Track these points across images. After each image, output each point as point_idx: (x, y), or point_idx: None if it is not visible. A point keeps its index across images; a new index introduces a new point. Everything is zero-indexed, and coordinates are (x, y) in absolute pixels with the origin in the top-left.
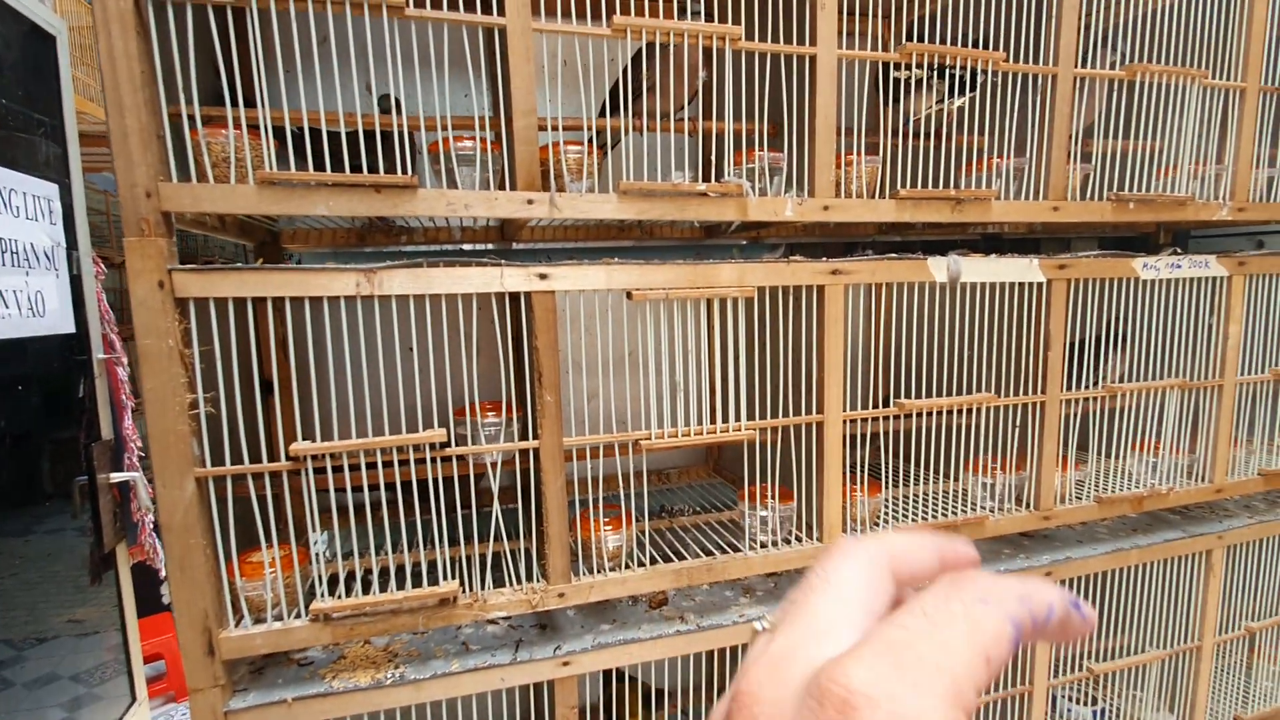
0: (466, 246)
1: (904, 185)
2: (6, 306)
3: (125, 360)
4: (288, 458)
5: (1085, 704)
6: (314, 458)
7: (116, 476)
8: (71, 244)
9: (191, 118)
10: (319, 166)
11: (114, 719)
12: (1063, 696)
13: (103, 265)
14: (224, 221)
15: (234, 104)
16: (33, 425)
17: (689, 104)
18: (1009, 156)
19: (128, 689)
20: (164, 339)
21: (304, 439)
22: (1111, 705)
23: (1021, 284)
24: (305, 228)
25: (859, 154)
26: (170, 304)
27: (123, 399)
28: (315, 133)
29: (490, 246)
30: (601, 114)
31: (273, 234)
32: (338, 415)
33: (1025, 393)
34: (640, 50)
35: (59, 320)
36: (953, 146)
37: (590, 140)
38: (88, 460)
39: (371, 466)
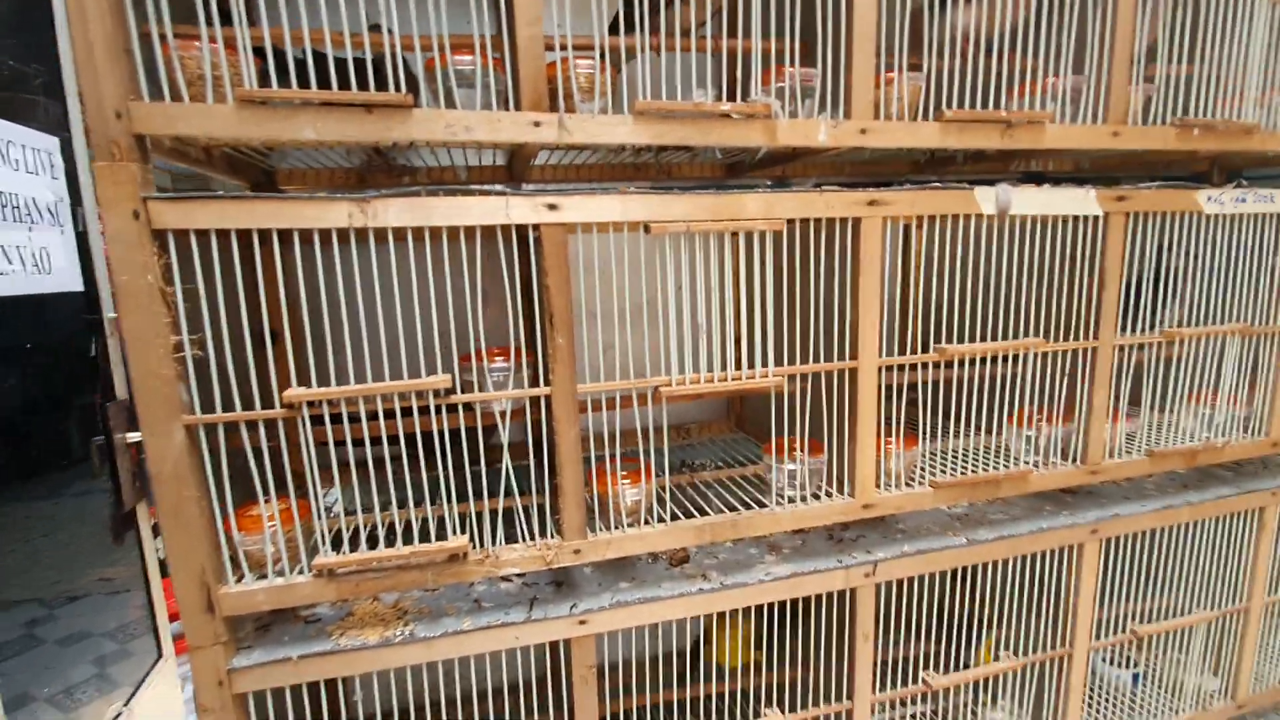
0: (474, 188)
1: (949, 107)
2: (10, 262)
3: None
4: (282, 405)
5: (1124, 666)
6: (311, 404)
7: (134, 436)
8: (76, 200)
9: (163, 35)
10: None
11: (140, 675)
12: (1101, 659)
13: None
14: (210, 155)
15: (209, 21)
16: (48, 386)
17: (712, 19)
18: (1065, 76)
19: (154, 646)
20: (142, 274)
21: (310, 386)
22: (1151, 668)
23: (1074, 220)
24: (301, 167)
25: (900, 72)
26: (147, 236)
27: None
28: (306, 55)
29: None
30: (614, 31)
31: (267, 173)
32: (343, 363)
33: (1076, 338)
34: None
35: (67, 278)
36: (1003, 66)
37: (603, 55)
38: (104, 420)
39: (376, 418)
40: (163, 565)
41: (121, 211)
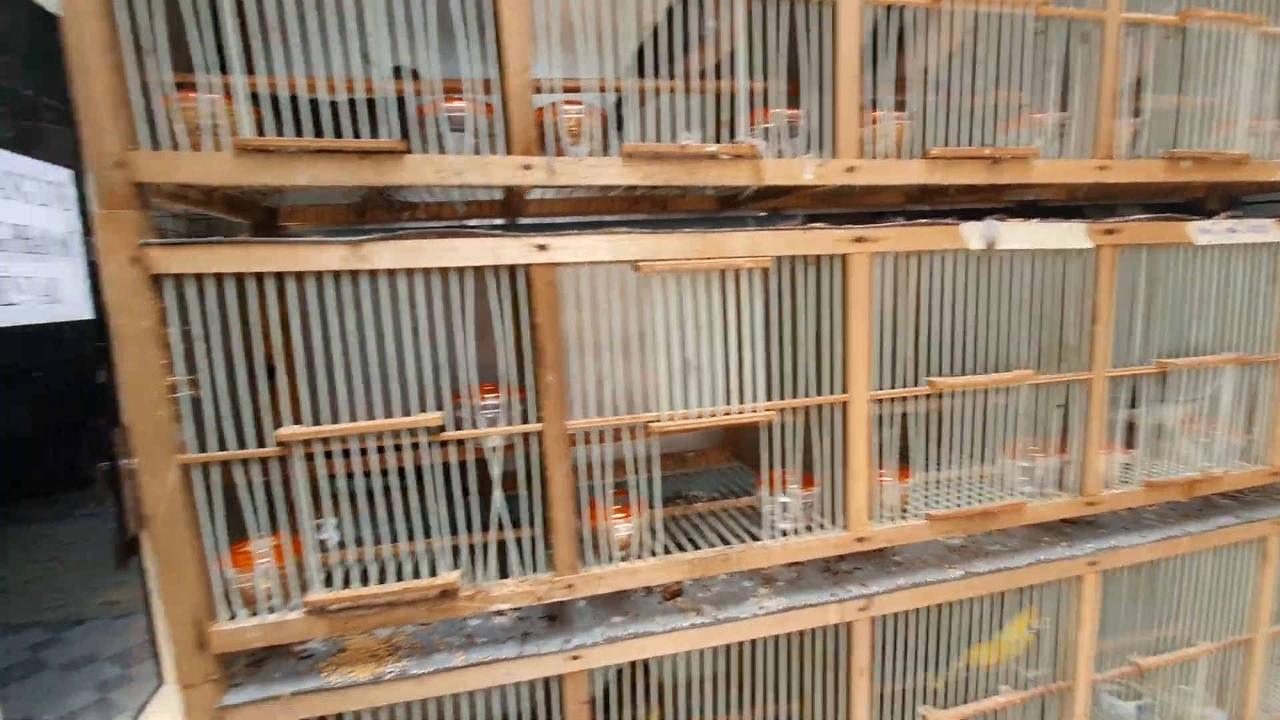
0: (471, 222)
1: (935, 144)
2: (21, 293)
3: None
4: (276, 443)
5: (1129, 699)
6: (305, 443)
7: None
8: (88, 230)
9: (163, 84)
10: (305, 134)
11: (142, 701)
12: (1105, 691)
13: None
14: (210, 196)
15: (206, 69)
16: (58, 411)
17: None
18: (1051, 111)
19: (156, 672)
20: (139, 319)
21: (303, 424)
22: (1157, 700)
23: (1064, 251)
24: (301, 204)
25: (886, 110)
26: (144, 281)
27: None
28: (305, 100)
29: (499, 221)
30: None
31: (269, 211)
32: (337, 398)
33: (1069, 369)
34: (672, 5)
35: (76, 307)
36: (989, 102)
37: (599, 103)
38: (110, 445)
39: (371, 453)
40: None
41: (119, 257)
